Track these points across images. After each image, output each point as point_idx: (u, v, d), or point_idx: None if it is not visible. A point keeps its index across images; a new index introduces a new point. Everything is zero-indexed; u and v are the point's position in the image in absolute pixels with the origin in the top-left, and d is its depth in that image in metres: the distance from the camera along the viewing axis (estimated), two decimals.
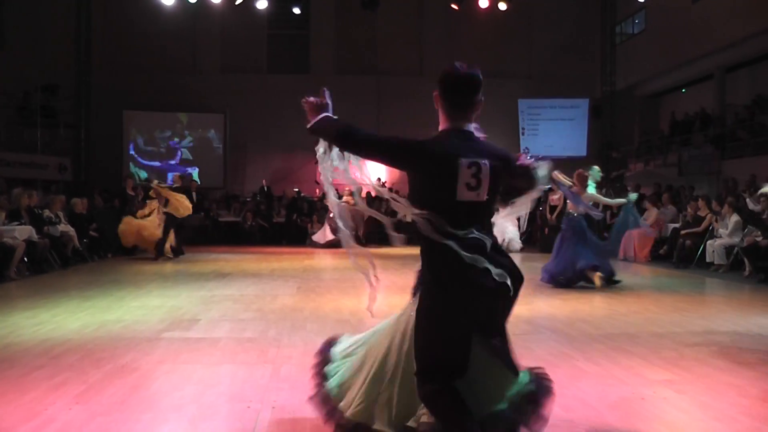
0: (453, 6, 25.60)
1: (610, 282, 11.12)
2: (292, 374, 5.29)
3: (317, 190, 26.45)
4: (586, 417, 4.30)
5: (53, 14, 25.13)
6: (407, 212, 3.34)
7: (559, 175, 10.10)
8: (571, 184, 10.90)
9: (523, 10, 27.50)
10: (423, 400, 3.33)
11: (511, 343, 3.43)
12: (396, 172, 27.06)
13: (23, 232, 12.66)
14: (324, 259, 16.29)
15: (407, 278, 12.61)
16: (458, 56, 26.65)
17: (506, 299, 3.28)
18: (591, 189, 11.40)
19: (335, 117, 3.47)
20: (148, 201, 16.41)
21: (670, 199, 17.12)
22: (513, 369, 3.41)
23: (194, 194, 21.44)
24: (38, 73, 23.24)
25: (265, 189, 25.89)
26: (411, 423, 3.48)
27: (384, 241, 21.98)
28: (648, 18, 26.51)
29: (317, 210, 23.16)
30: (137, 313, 8.18)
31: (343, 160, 3.55)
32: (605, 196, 19.13)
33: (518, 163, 3.58)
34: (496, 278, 3.16)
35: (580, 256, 10.93)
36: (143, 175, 25.74)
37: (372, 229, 22.19)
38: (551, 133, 28.44)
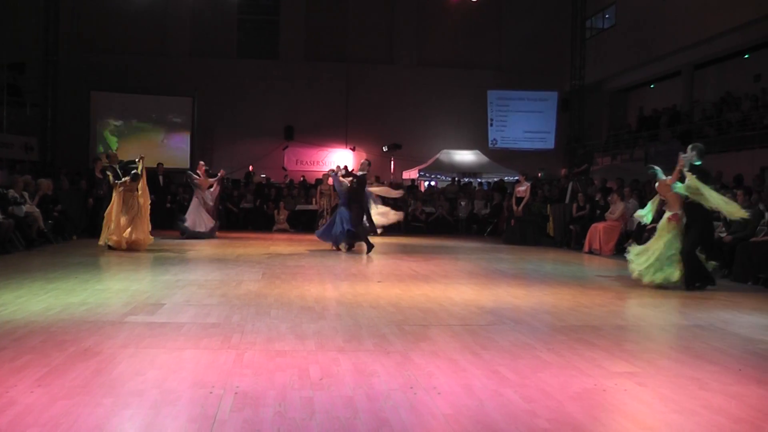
0: None
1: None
2: (255, 360, 5.28)
3: (285, 177, 26.41)
4: (547, 407, 4.33)
5: None
6: None
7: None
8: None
9: (494, 1, 27.62)
10: None
11: None
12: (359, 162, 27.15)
13: None
14: (289, 246, 16.22)
15: (374, 268, 12.54)
16: (429, 46, 26.79)
17: None
18: None
19: None
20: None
21: (632, 192, 17.23)
22: None
23: (161, 177, 21.30)
24: (4, 52, 22.93)
25: (252, 174, 25.78)
26: None
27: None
28: (618, 13, 26.73)
29: (284, 197, 23.07)
30: (101, 296, 8.11)
31: None
32: (572, 191, 19.33)
33: None
34: None
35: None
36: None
37: None
38: (520, 125, 28.64)
